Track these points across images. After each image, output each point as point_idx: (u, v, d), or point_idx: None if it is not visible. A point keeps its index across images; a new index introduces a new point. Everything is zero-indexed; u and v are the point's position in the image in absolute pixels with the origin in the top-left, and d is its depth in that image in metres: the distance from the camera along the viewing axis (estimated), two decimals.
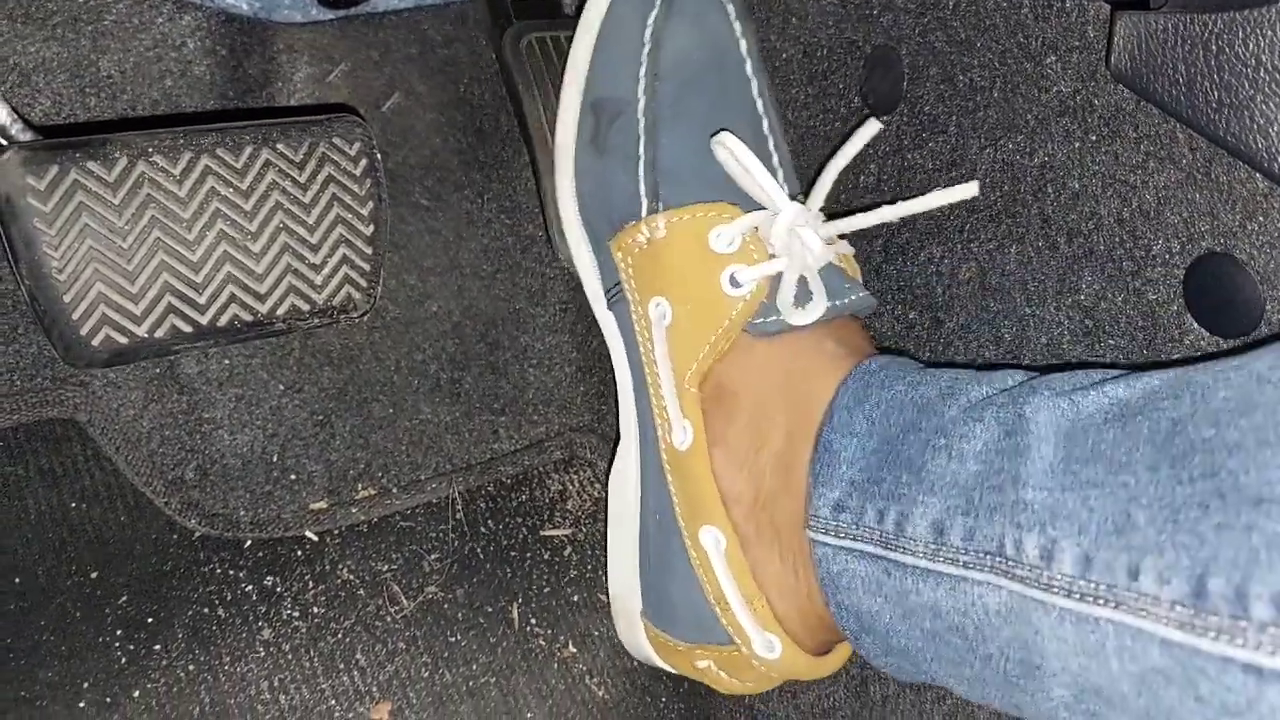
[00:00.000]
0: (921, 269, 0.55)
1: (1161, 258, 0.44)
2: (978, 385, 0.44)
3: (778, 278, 0.50)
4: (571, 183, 0.58)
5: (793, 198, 0.53)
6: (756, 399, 0.51)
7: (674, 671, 0.58)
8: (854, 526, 0.45)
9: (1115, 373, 0.40)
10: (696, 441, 0.52)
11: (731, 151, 0.51)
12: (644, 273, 0.54)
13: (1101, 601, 0.35)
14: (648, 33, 0.54)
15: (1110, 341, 0.47)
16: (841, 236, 0.54)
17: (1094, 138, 0.46)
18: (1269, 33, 0.36)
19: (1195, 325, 0.43)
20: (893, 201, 0.50)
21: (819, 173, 0.53)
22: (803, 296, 0.50)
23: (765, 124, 0.56)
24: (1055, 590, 0.36)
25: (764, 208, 0.52)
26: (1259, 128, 0.37)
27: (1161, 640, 0.33)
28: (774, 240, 0.50)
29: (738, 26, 0.56)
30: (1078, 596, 0.35)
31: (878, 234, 0.57)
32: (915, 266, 0.55)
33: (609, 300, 0.57)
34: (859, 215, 0.51)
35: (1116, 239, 0.46)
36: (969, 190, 0.48)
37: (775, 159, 0.56)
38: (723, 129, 0.53)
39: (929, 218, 0.54)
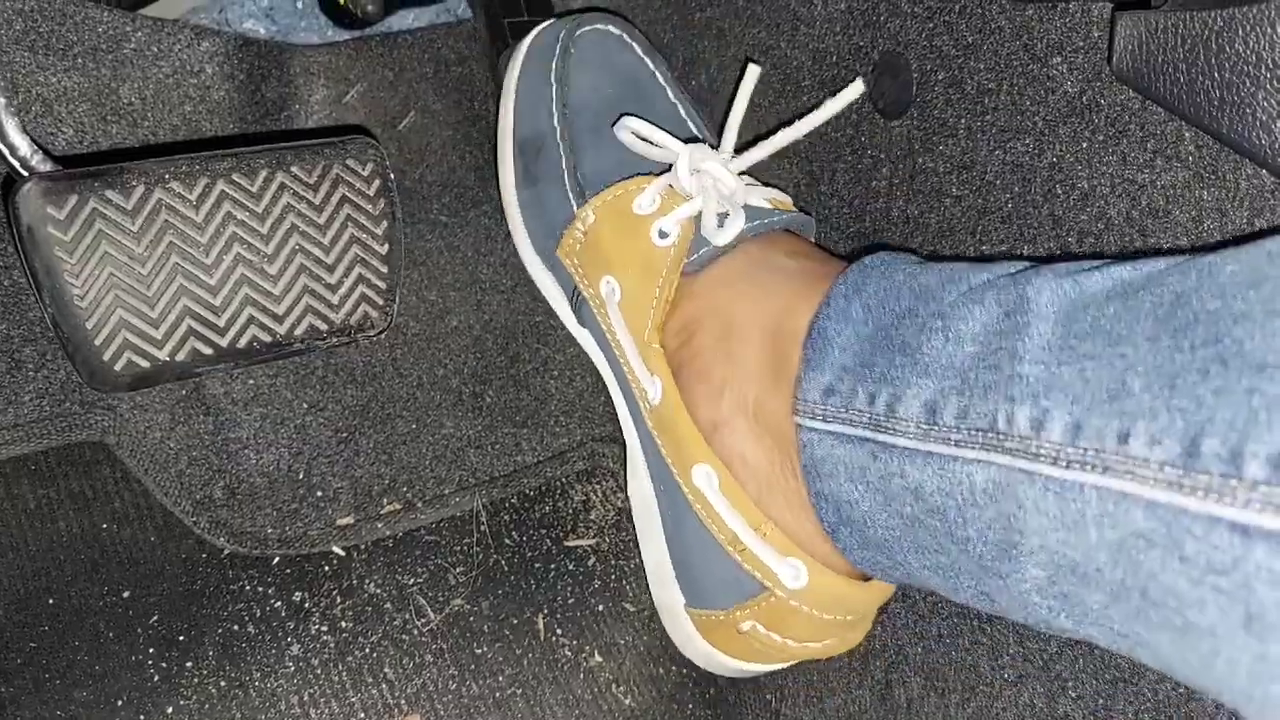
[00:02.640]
0: None
1: (1170, 251, 0.44)
2: (980, 271, 0.44)
3: (700, 217, 0.54)
4: (521, 226, 0.64)
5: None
6: (717, 320, 0.52)
7: (737, 664, 0.57)
8: (843, 410, 0.45)
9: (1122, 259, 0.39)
10: (666, 390, 0.53)
11: (629, 127, 0.57)
12: (588, 261, 0.58)
13: (1088, 467, 0.34)
14: (552, 75, 0.61)
15: None
16: (768, 185, 0.58)
17: (1101, 138, 0.46)
18: (1268, 29, 0.36)
19: None
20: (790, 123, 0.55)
21: (723, 122, 0.57)
22: (724, 220, 0.54)
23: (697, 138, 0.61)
24: (1042, 458, 0.35)
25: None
26: (1262, 124, 0.37)
27: (1146, 502, 0.32)
28: (684, 184, 0.55)
29: (647, 61, 0.62)
30: (1064, 464, 0.35)
31: (890, 239, 0.57)
32: None
33: (577, 314, 0.61)
34: (761, 144, 0.56)
35: (1127, 238, 0.45)
36: (855, 90, 0.55)
37: None
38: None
39: (940, 221, 0.54)
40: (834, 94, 0.57)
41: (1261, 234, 0.36)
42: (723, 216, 0.54)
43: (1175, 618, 0.32)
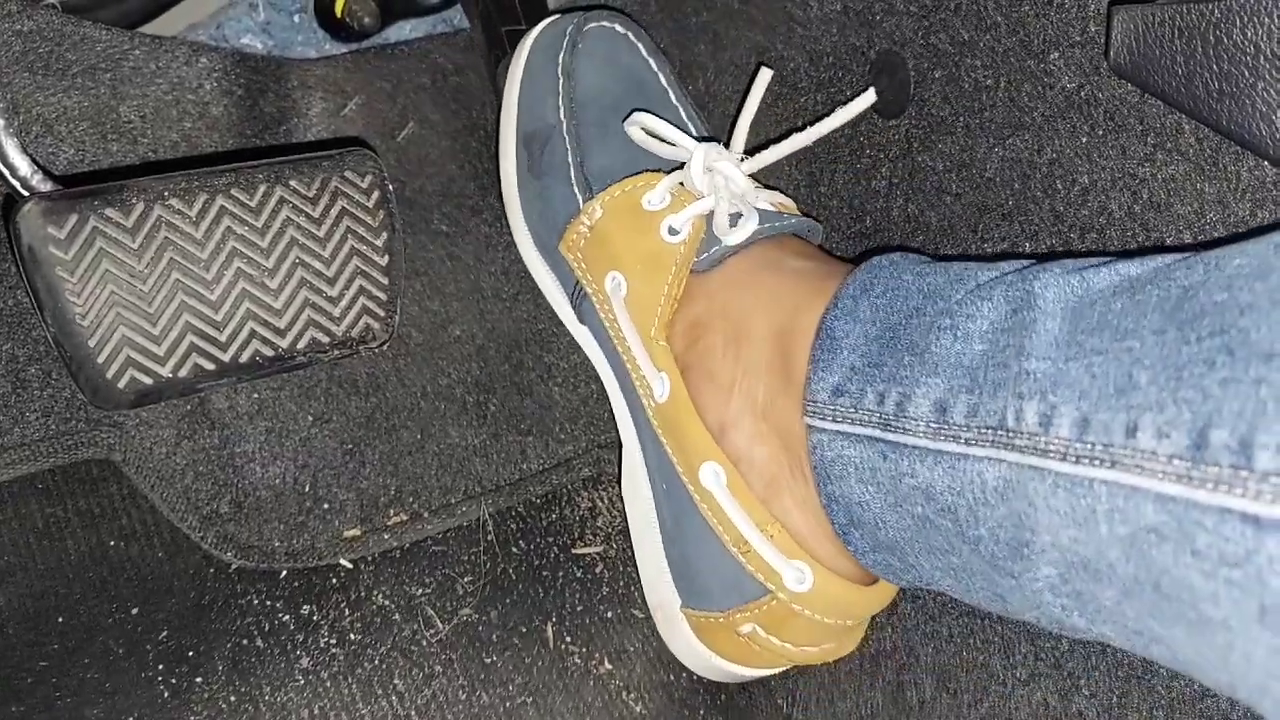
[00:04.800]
0: None
1: (1175, 248, 0.43)
2: (987, 270, 0.44)
3: (711, 216, 0.54)
4: (521, 219, 0.64)
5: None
6: (727, 321, 0.52)
7: (732, 668, 0.57)
8: (852, 409, 0.44)
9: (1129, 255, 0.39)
10: (674, 387, 0.53)
11: (639, 123, 0.57)
12: (593, 257, 0.58)
13: (1097, 462, 0.34)
14: (559, 68, 0.60)
15: None
16: (771, 188, 0.58)
17: (1100, 132, 0.45)
18: (1265, 19, 0.36)
19: None
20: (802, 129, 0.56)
21: (733, 125, 0.57)
22: (736, 220, 0.54)
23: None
24: (1051, 455, 0.35)
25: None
26: (1261, 115, 0.37)
27: (1156, 496, 0.32)
28: (697, 183, 0.54)
29: (651, 61, 0.62)
30: (1073, 459, 0.35)
31: (892, 238, 0.57)
32: None
33: (577, 311, 0.60)
34: (773, 147, 0.56)
35: (1129, 233, 0.45)
36: (867, 99, 0.55)
37: None
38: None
39: (941, 219, 0.54)
40: (839, 99, 0.57)
41: (1268, 228, 0.35)
42: (735, 217, 0.54)
43: (1189, 612, 0.32)
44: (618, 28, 0.62)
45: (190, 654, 0.57)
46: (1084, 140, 0.46)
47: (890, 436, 0.43)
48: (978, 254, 0.52)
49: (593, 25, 0.62)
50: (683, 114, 0.62)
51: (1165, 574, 0.32)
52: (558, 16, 0.63)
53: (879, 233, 0.58)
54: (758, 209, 0.54)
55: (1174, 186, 0.43)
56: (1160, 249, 0.41)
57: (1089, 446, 0.34)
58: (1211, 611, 0.31)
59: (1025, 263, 0.43)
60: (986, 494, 0.38)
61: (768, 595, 0.50)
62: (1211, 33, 0.38)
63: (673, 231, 0.54)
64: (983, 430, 0.38)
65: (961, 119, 0.52)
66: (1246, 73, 0.37)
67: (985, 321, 0.41)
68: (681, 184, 0.55)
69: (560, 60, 0.61)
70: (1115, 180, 0.45)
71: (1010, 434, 0.37)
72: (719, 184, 0.54)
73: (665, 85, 0.62)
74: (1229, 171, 0.41)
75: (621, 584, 0.64)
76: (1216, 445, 0.30)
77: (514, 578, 0.63)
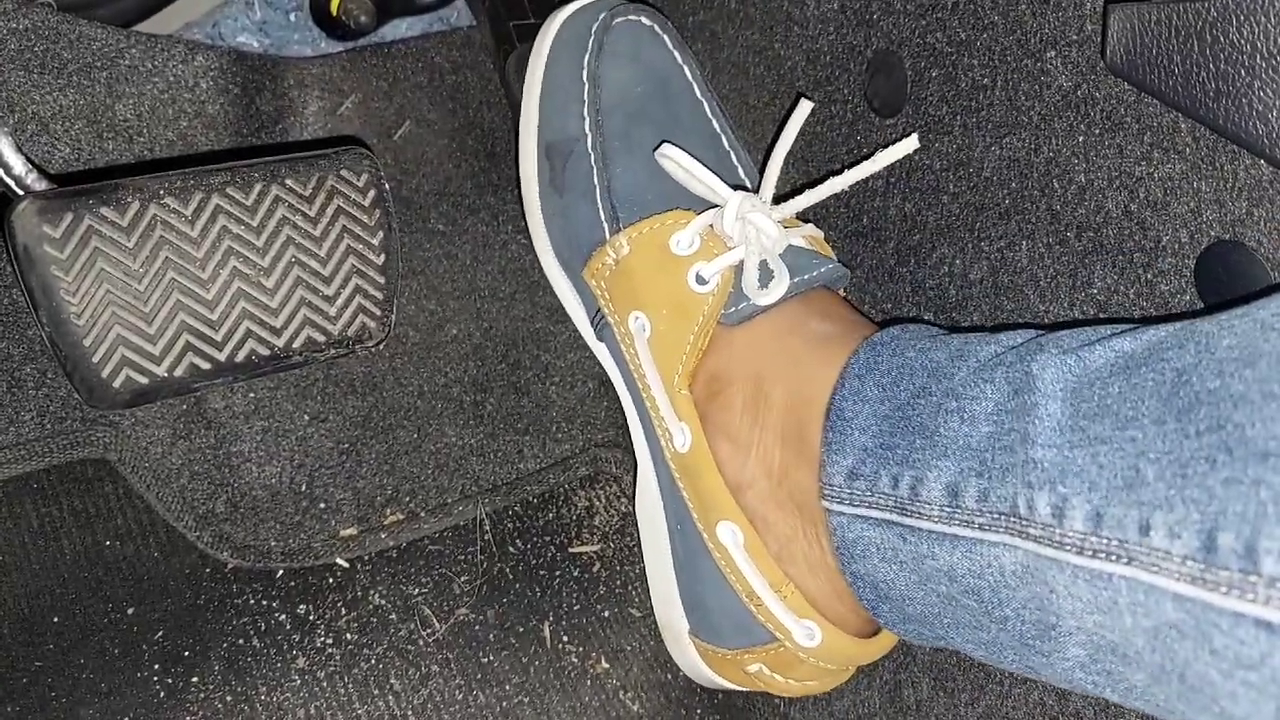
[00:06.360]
0: (934, 271, 0.55)
1: (1171, 248, 0.43)
2: (987, 345, 0.44)
3: (740, 266, 0.53)
4: (542, 228, 0.61)
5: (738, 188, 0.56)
6: (749, 383, 0.52)
7: (734, 687, 0.58)
8: (868, 493, 0.45)
9: (1122, 327, 0.40)
10: (695, 441, 0.53)
11: (673, 159, 0.55)
12: (618, 292, 0.56)
13: (1114, 558, 0.34)
14: (584, 73, 0.58)
15: None
16: (804, 220, 0.56)
17: (1097, 131, 0.45)
18: (1262, 19, 0.36)
19: None
20: (840, 172, 0.53)
21: (765, 163, 0.55)
22: (766, 278, 0.52)
23: (724, 141, 0.60)
24: (1068, 548, 0.36)
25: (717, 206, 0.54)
26: (1258, 114, 0.37)
27: (1174, 595, 0.32)
28: (728, 231, 0.53)
29: (677, 55, 0.60)
30: (1090, 553, 0.35)
31: (889, 237, 0.57)
32: (927, 268, 0.55)
33: (596, 330, 0.59)
34: (807, 192, 0.54)
35: (1126, 232, 0.45)
36: (910, 144, 0.52)
37: (740, 172, 0.59)
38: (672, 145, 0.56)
39: (938, 218, 0.54)
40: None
41: (1250, 298, 0.36)
42: (764, 272, 0.52)
43: (1213, 705, 0.32)
44: (644, 20, 0.59)
45: (186, 654, 0.57)
46: (1081, 139, 0.46)
47: (907, 520, 0.43)
48: (974, 253, 0.52)
49: (620, 20, 0.59)
50: (706, 110, 0.60)
51: (1188, 667, 0.33)
52: (581, 7, 0.60)
53: (876, 232, 0.58)
54: (790, 251, 0.53)
55: (1171, 185, 0.43)
56: (1153, 320, 0.41)
57: (1105, 541, 0.35)
58: (1233, 709, 0.32)
59: (1024, 337, 0.43)
60: (1006, 578, 0.39)
61: (776, 643, 0.51)
62: (1208, 32, 0.38)
63: (700, 280, 0.53)
64: (995, 516, 0.39)
65: (959, 118, 0.52)
66: (1243, 72, 0.37)
67: (990, 403, 0.41)
68: (711, 226, 0.54)
69: (585, 64, 0.58)
70: (1112, 179, 0.45)
71: (1024, 522, 0.38)
72: (750, 235, 0.53)
73: (690, 80, 0.60)
74: (1226, 170, 0.41)
75: (618, 583, 0.64)
76: (1224, 549, 0.31)
77: (511, 577, 0.63)
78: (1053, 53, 0.46)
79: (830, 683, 0.54)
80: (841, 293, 0.57)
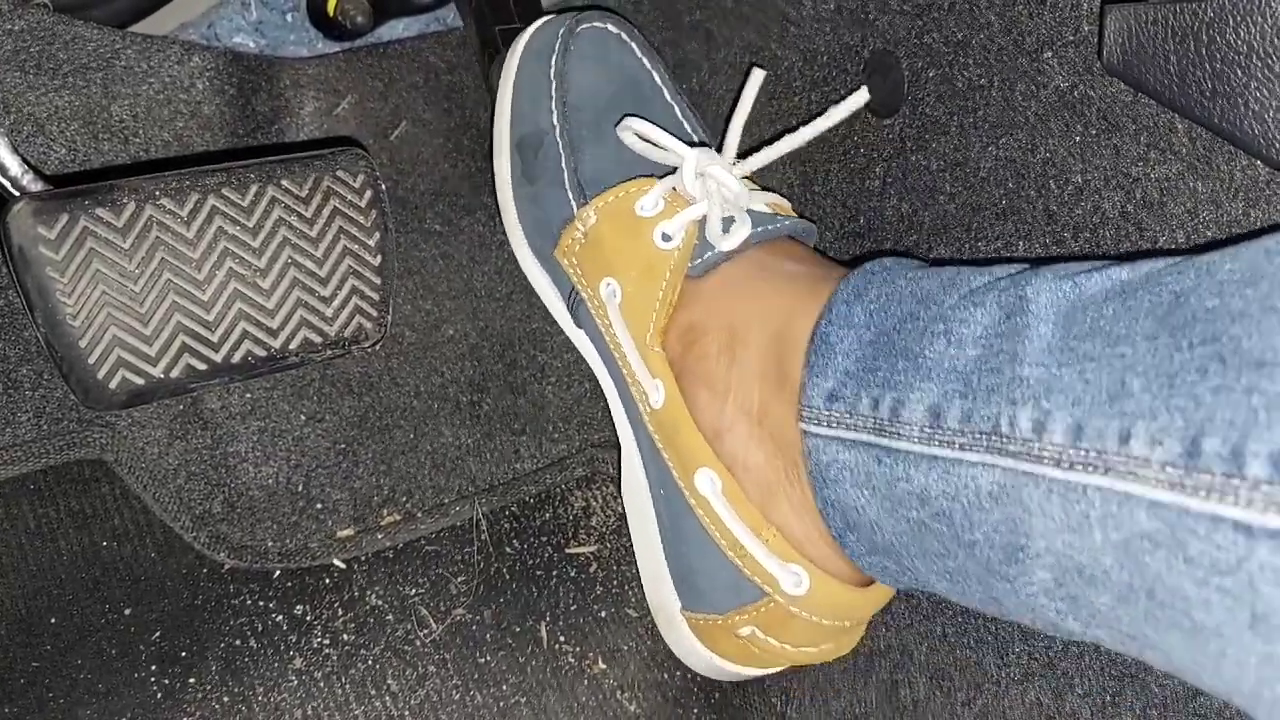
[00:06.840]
0: None
1: (1168, 249, 0.43)
2: (980, 275, 0.44)
3: (704, 221, 0.54)
4: (516, 223, 0.63)
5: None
6: (723, 329, 0.52)
7: (732, 669, 0.57)
8: (847, 415, 0.45)
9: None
10: (670, 394, 0.53)
11: (634, 129, 0.57)
12: (588, 263, 0.58)
13: (1090, 469, 0.34)
14: (551, 72, 0.60)
15: None
16: (764, 189, 0.59)
17: (1094, 131, 0.45)
18: (1258, 19, 0.36)
19: None
20: (795, 130, 0.56)
21: (726, 128, 0.57)
22: (729, 225, 0.54)
23: (696, 140, 0.61)
24: (1045, 461, 0.35)
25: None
26: (1254, 114, 0.37)
27: (1149, 503, 0.32)
28: (690, 189, 0.54)
29: (645, 60, 0.62)
30: (1067, 465, 0.35)
31: (885, 238, 0.57)
32: None
33: (573, 313, 0.60)
34: (765, 150, 0.56)
35: (1122, 232, 0.45)
36: (860, 98, 0.55)
37: None
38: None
39: (935, 218, 0.54)
40: (833, 98, 0.57)
41: (1260, 231, 0.35)
42: (728, 222, 0.54)
43: (1182, 619, 0.32)
44: (610, 28, 0.62)
45: (183, 654, 0.57)
46: (1077, 139, 0.46)
47: (885, 442, 0.43)
48: (971, 253, 0.52)
49: (585, 27, 0.61)
50: (677, 113, 0.62)
51: (1158, 581, 0.32)
52: (550, 18, 0.63)
53: (873, 232, 0.58)
54: (751, 212, 0.54)
55: (1167, 186, 0.43)
56: (1153, 252, 0.41)
57: (1082, 453, 0.34)
58: (1204, 619, 0.31)
59: (1018, 267, 0.43)
60: (981, 499, 0.38)
61: (765, 598, 0.50)
62: (1204, 32, 0.38)
63: (666, 238, 0.54)
64: (976, 435, 0.39)
65: (955, 118, 0.52)
66: (1239, 72, 0.37)
67: (979, 327, 0.41)
68: (675, 189, 0.56)
69: (552, 64, 0.60)
70: (1108, 179, 0.45)
71: (1004, 439, 0.37)
72: (711, 189, 0.54)
73: (659, 84, 0.62)
74: (1222, 171, 0.41)
75: (615, 583, 0.64)
76: (1209, 453, 0.30)
77: (508, 577, 0.63)
78: (1049, 53, 0.46)
79: (829, 647, 0.53)
80: None
